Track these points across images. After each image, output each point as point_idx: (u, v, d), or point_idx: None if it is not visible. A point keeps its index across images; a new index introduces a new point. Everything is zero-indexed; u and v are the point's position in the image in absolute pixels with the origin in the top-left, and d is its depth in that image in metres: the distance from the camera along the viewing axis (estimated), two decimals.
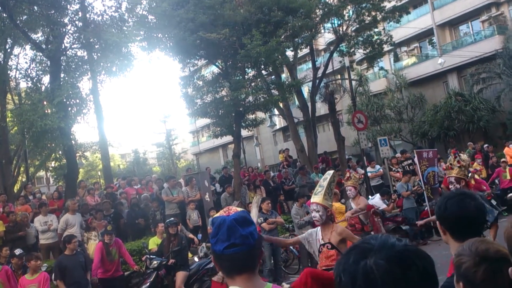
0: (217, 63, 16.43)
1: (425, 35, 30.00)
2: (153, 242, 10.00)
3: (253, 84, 16.07)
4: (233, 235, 1.74)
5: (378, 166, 15.97)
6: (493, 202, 12.74)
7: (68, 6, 15.63)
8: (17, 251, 8.22)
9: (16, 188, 22.28)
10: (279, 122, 34.20)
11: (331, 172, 4.80)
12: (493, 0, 26.57)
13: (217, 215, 1.86)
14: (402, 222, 11.71)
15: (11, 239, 10.54)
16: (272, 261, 9.75)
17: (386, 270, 1.10)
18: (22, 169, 23.84)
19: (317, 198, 4.36)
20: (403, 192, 11.00)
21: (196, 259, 9.92)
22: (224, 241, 1.74)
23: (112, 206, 12.22)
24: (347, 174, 7.93)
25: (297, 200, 10.67)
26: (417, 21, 28.96)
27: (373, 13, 18.81)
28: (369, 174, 15.31)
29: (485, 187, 13.56)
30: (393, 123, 27.46)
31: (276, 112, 22.77)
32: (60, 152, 16.19)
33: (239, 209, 1.90)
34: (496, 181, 14.04)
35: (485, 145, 18.43)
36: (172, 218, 10.04)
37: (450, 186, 5.10)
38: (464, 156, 5.46)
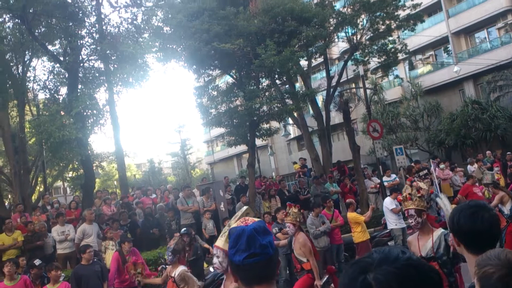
0: (231, 73, 16.53)
1: (440, 43, 29.80)
2: None
3: (267, 93, 16.11)
4: (253, 245, 1.73)
5: (394, 175, 15.83)
6: None
7: (85, 18, 15.88)
8: (37, 262, 8.31)
9: (34, 198, 22.57)
10: (293, 131, 34.18)
11: (243, 208, 4.32)
12: (509, 7, 26.31)
13: (235, 225, 1.86)
14: None
15: (29, 249, 10.68)
16: (288, 272, 9.69)
17: (385, 286, 1.06)
18: (40, 179, 24.17)
19: (219, 241, 3.68)
20: (392, 209, 10.66)
21: (211, 269, 9.91)
22: (244, 251, 1.73)
23: (129, 216, 12.31)
24: (287, 209, 7.15)
25: (312, 210, 10.62)
26: (432, 29, 28.81)
27: (387, 22, 18.78)
28: (385, 184, 15.18)
29: None
30: (409, 132, 27.22)
31: (290, 121, 22.77)
32: (77, 163, 16.36)
33: (256, 219, 1.90)
34: None
35: (508, 153, 18.03)
36: (185, 228, 10.06)
37: (410, 220, 4.61)
38: (422, 183, 4.68)
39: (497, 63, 24.70)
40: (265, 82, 17.03)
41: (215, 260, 3.74)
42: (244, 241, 1.74)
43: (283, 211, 10.05)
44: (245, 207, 4.33)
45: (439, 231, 4.44)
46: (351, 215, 10.37)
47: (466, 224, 2.22)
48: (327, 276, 6.93)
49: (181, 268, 6.63)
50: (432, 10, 30.07)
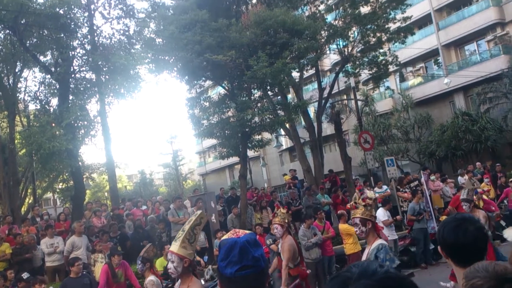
0: (223, 84, 16.56)
1: (430, 55, 30.14)
2: (160, 264, 9.93)
3: (259, 105, 16.14)
4: (245, 257, 1.71)
5: (385, 187, 15.86)
6: (502, 223, 12.60)
7: (78, 29, 15.91)
8: (25, 275, 8.19)
9: (23, 209, 22.33)
10: (285, 142, 34.23)
11: (198, 212, 4.13)
12: (498, 20, 26.73)
13: (225, 237, 1.84)
14: (411, 244, 11.57)
15: (17, 261, 10.53)
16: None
17: None
18: (29, 190, 23.94)
19: (173, 246, 3.77)
20: (383, 220, 10.68)
21: (202, 282, 9.82)
22: (236, 263, 1.71)
23: (119, 228, 12.20)
24: (275, 210, 6.88)
25: (304, 221, 10.59)
26: (422, 42, 29.15)
27: (378, 34, 18.98)
28: (376, 195, 15.20)
29: (493, 208, 13.43)
30: (400, 143, 27.37)
31: (282, 132, 22.80)
32: (67, 174, 16.26)
33: (247, 231, 1.89)
34: (505, 201, 13.89)
35: (497, 164, 18.19)
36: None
37: (355, 229, 4.53)
38: (370, 192, 4.52)
39: (486, 75, 25.01)
40: (257, 94, 17.07)
41: (169, 265, 3.77)
42: (237, 253, 1.72)
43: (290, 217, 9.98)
44: (199, 212, 4.30)
45: (376, 243, 4.36)
46: (342, 226, 10.36)
47: (450, 237, 2.22)
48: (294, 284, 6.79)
49: (149, 278, 6.56)
50: (423, 22, 30.45)
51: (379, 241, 4.37)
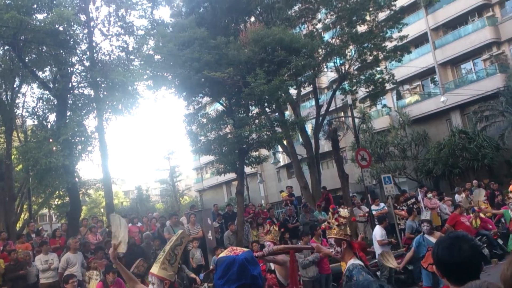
0: (221, 101, 16.64)
1: (427, 73, 30.40)
2: None
3: (256, 121, 16.20)
4: (243, 276, 1.68)
5: (382, 204, 15.83)
6: (500, 241, 12.55)
7: (77, 46, 15.99)
8: None
9: (18, 225, 22.15)
10: (283, 159, 34.21)
11: (179, 232, 4.01)
12: (494, 39, 27.03)
13: (223, 255, 1.81)
14: (408, 262, 11.48)
15: (11, 278, 10.40)
16: None
17: None
18: (25, 206, 23.78)
19: (153, 267, 3.67)
20: (378, 240, 10.65)
21: None
22: (235, 281, 1.67)
23: None
24: (267, 227, 6.84)
25: (301, 238, 10.53)
26: (419, 60, 29.42)
27: (375, 53, 19.16)
28: (373, 212, 15.16)
29: (490, 226, 13.41)
30: (397, 161, 27.40)
31: (280, 149, 22.82)
32: (64, 190, 16.16)
33: (245, 249, 1.87)
34: (502, 219, 13.85)
35: (492, 182, 18.26)
36: None
37: (330, 250, 4.38)
38: (344, 211, 4.26)
39: (483, 94, 25.20)
40: (254, 110, 17.14)
41: (150, 287, 3.72)
42: (235, 271, 1.69)
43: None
44: (180, 231, 4.26)
45: (349, 263, 4.17)
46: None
47: (444, 256, 2.21)
48: None
49: None
50: (419, 41, 30.78)
51: (352, 261, 4.17)
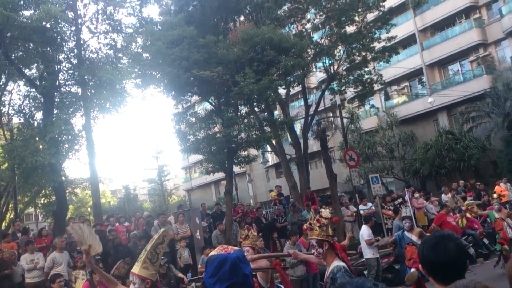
0: (210, 100, 16.59)
1: (415, 74, 30.64)
2: None
3: (245, 121, 16.18)
4: (235, 274, 1.67)
5: (370, 204, 15.93)
6: (485, 241, 12.69)
7: (64, 43, 15.83)
8: None
9: (4, 224, 21.86)
10: (271, 158, 34.25)
11: (160, 230, 3.95)
12: (481, 41, 27.34)
13: (214, 253, 1.79)
14: (395, 261, 11.57)
15: None
16: None
17: None
18: (11, 205, 23.48)
19: (135, 267, 3.62)
20: (366, 240, 10.71)
21: None
22: (227, 280, 1.66)
23: (102, 244, 11.98)
24: (245, 232, 6.71)
25: (289, 237, 10.55)
26: (406, 61, 29.63)
27: (363, 53, 19.27)
28: (361, 212, 15.25)
29: (476, 226, 13.56)
30: (384, 161, 27.59)
31: (268, 148, 22.84)
32: (50, 189, 15.98)
33: (236, 247, 1.85)
34: (488, 219, 14.01)
35: (477, 183, 18.51)
36: (163, 257, 9.85)
37: (312, 251, 4.25)
38: (325, 212, 4.01)
39: (469, 95, 25.47)
40: (243, 110, 17.12)
41: (131, 287, 3.66)
42: (227, 270, 1.68)
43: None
44: (162, 229, 4.20)
45: (333, 265, 4.03)
46: None
47: (429, 255, 2.21)
48: None
49: None
50: (407, 42, 31.00)
51: (336, 263, 4.05)
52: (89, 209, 41.66)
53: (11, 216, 24.17)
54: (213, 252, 1.81)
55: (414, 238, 8.52)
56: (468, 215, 13.34)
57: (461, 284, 1.73)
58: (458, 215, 13.49)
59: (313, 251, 4.21)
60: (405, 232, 8.66)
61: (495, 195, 11.14)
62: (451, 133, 25.81)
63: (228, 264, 1.68)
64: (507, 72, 24.39)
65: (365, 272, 11.05)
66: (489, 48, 27.71)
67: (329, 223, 4.24)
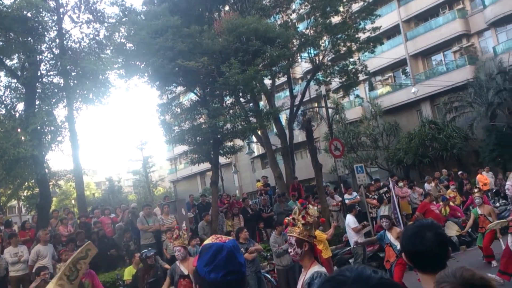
0: (195, 91, 16.49)
1: (399, 65, 30.88)
2: (129, 273, 9.73)
3: (231, 111, 16.14)
4: (231, 263, 1.69)
5: (355, 193, 16.07)
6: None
7: (46, 33, 15.52)
8: None
9: None
10: (257, 149, 34.29)
11: (85, 244, 3.72)
12: (464, 31, 27.62)
13: (209, 241, 1.80)
14: (380, 249, 11.72)
15: None
16: None
17: None
18: None
19: (49, 284, 3.41)
20: (353, 227, 10.79)
21: None
22: (223, 268, 1.68)
23: (86, 236, 11.90)
24: (176, 232, 6.57)
25: (275, 228, 10.59)
26: (391, 52, 29.82)
27: (348, 44, 19.32)
28: (346, 201, 15.38)
29: (459, 214, 13.81)
30: (369, 151, 27.83)
31: (254, 139, 22.84)
32: (33, 181, 15.77)
33: (229, 237, 1.86)
34: (471, 207, 14.27)
35: (460, 172, 18.82)
36: (150, 249, 9.84)
37: (289, 250, 3.78)
38: (313, 209, 3.46)
39: (452, 85, 25.76)
40: (229, 100, 17.06)
41: None
42: (224, 258, 1.69)
43: (245, 231, 9.95)
44: (86, 242, 3.80)
45: (312, 270, 3.55)
46: (315, 233, 10.38)
47: (407, 245, 2.24)
48: None
49: None
50: (391, 33, 31.17)
51: (316, 268, 3.57)
52: (73, 201, 41.27)
53: None
54: (207, 241, 1.81)
55: (391, 238, 8.48)
56: (451, 203, 13.56)
57: (450, 271, 1.75)
58: (441, 203, 13.71)
59: (289, 249, 3.78)
60: (386, 232, 8.69)
61: (476, 190, 11.18)
62: (434, 123, 26.12)
63: (224, 253, 1.70)
64: (490, 62, 24.71)
65: (351, 261, 11.18)
66: (472, 38, 28.02)
67: (314, 223, 3.86)
